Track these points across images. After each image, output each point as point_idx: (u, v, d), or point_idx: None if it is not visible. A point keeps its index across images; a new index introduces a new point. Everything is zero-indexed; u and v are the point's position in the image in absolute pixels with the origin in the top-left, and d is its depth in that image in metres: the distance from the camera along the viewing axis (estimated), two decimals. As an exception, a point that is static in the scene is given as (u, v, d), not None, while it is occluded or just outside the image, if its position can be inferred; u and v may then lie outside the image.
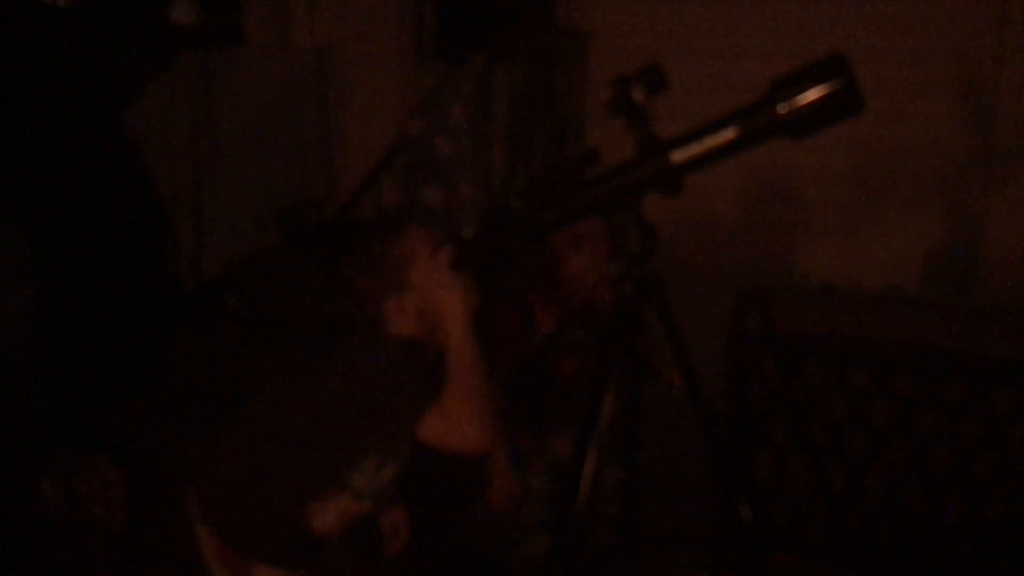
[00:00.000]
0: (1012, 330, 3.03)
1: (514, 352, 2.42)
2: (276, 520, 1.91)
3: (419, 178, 4.81)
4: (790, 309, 2.94)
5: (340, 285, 1.90)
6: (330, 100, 5.71)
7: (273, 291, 4.84)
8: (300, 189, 5.57)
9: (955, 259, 4.49)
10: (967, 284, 4.45)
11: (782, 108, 1.52)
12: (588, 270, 2.41)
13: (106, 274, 4.53)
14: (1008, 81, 4.27)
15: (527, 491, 2.51)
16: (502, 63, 4.92)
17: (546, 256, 2.37)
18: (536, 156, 5.01)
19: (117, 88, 4.72)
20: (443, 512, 2.32)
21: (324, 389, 1.89)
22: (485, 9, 5.50)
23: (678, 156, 1.61)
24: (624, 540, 1.89)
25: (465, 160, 4.74)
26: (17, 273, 3.59)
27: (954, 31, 4.34)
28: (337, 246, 1.95)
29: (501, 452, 2.34)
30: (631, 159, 1.67)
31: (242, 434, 2.02)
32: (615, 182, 1.68)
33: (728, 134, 1.57)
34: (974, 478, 2.56)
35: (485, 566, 2.54)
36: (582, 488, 1.71)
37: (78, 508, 3.33)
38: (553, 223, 1.78)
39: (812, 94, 1.50)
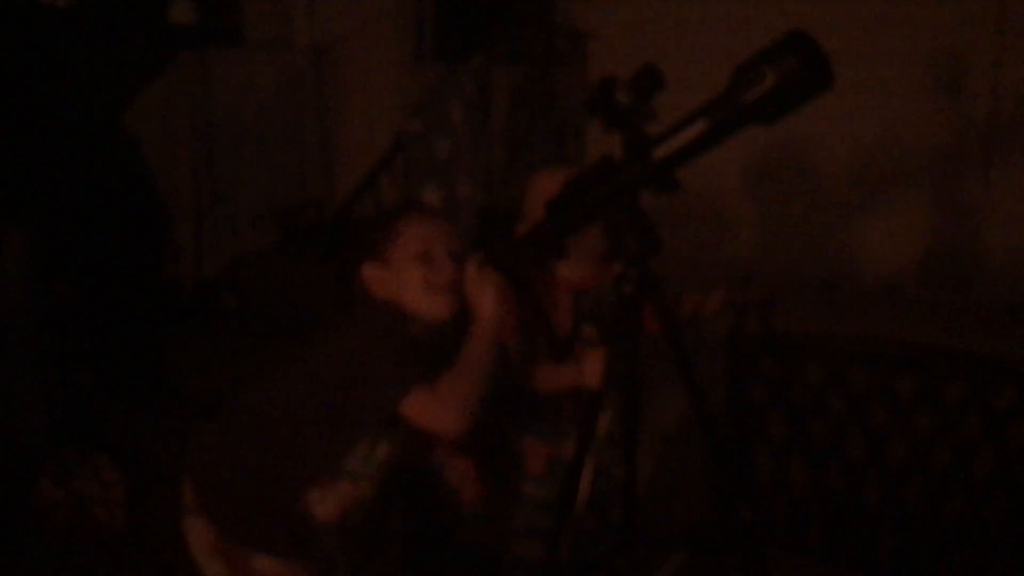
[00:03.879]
0: (1012, 330, 3.03)
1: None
2: (274, 509, 1.92)
3: (419, 178, 4.82)
4: (790, 309, 2.94)
5: (348, 265, 1.95)
6: (329, 100, 5.71)
7: (273, 291, 4.85)
8: (299, 189, 5.57)
9: (955, 258, 4.49)
10: (967, 283, 4.45)
11: (746, 94, 1.48)
12: (578, 268, 2.39)
13: (106, 274, 4.53)
14: (1008, 81, 4.27)
15: (518, 496, 2.49)
16: (501, 63, 4.93)
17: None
18: (535, 156, 5.01)
19: (117, 88, 4.72)
20: (439, 511, 2.31)
21: (312, 371, 1.92)
22: (484, 9, 5.50)
23: (659, 153, 1.60)
24: (624, 541, 1.88)
25: (464, 160, 4.74)
26: (17, 273, 3.59)
27: (953, 31, 4.35)
28: (342, 239, 1.98)
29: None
30: (621, 160, 1.67)
31: (237, 423, 2.03)
32: (609, 185, 1.68)
33: (699, 127, 1.55)
34: (974, 478, 2.55)
35: (481, 568, 2.54)
36: (580, 489, 1.71)
37: (78, 508, 3.33)
38: (555, 232, 1.78)
39: (772, 76, 1.44)
